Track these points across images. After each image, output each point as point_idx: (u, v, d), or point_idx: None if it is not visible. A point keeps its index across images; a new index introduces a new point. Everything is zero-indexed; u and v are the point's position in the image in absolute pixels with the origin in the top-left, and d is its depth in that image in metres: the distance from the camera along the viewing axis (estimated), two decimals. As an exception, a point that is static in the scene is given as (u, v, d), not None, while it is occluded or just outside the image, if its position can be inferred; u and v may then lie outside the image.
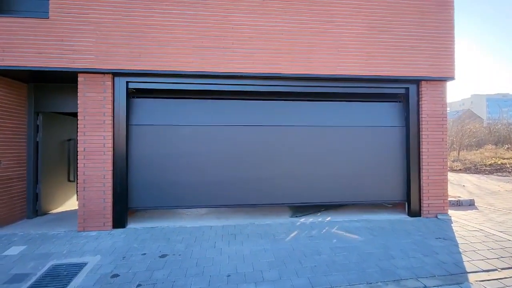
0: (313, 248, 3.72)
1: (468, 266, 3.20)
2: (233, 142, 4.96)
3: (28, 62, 4.24)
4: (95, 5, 4.38)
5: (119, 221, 4.50)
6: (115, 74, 4.52)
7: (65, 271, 3.14)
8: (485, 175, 11.21)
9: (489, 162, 13.06)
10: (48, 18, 4.30)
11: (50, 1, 4.32)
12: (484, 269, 3.14)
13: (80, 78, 4.44)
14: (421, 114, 5.13)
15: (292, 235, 4.21)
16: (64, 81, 4.89)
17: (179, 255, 3.53)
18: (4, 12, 4.60)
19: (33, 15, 4.42)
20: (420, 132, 5.14)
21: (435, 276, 3.00)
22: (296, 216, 5.18)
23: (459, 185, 9.00)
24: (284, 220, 4.97)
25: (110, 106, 4.48)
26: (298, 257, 3.45)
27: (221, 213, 5.45)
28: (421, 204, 5.10)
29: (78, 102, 4.43)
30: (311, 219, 4.99)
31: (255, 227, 4.58)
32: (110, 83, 4.48)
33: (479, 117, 37.41)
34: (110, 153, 4.46)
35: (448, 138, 6.30)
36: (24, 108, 5.07)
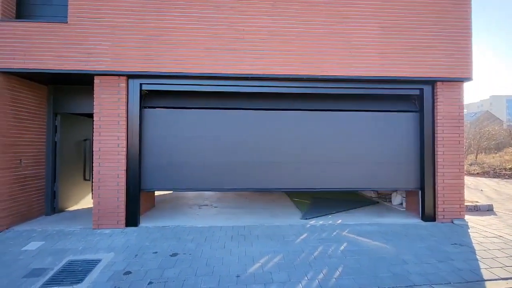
0: (323, 250, 3.68)
1: (485, 274, 3.09)
2: (243, 126, 4.99)
3: (48, 65, 4.41)
4: (111, 10, 4.52)
5: (132, 219, 4.61)
6: (129, 76, 4.64)
7: (80, 267, 3.25)
8: (505, 180, 10.76)
9: (509, 166, 12.52)
10: (67, 22, 4.47)
11: (69, 7, 4.49)
12: (502, 277, 3.02)
13: (96, 80, 4.59)
14: (436, 116, 4.99)
15: (302, 237, 4.18)
16: (81, 83, 5.07)
17: (190, 254, 3.58)
18: (26, 17, 4.82)
19: (53, 20, 4.63)
20: (435, 134, 4.99)
21: (450, 283, 2.91)
22: (306, 218, 5.14)
23: (476, 189, 8.68)
24: (294, 222, 4.94)
25: (124, 107, 4.61)
26: (307, 260, 3.42)
27: (231, 214, 5.48)
28: (436, 208, 4.95)
29: (94, 103, 4.58)
30: (321, 222, 4.94)
31: (265, 228, 4.58)
32: (124, 85, 4.61)
33: (498, 118, 35.96)
34: (124, 153, 4.58)
35: (465, 140, 6.09)
36: (44, 109, 5.28)
